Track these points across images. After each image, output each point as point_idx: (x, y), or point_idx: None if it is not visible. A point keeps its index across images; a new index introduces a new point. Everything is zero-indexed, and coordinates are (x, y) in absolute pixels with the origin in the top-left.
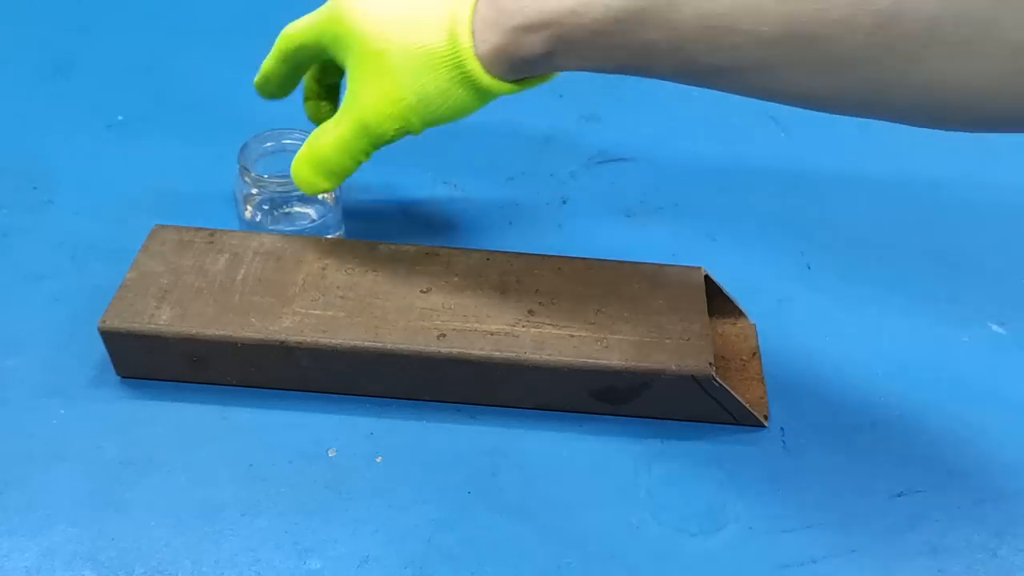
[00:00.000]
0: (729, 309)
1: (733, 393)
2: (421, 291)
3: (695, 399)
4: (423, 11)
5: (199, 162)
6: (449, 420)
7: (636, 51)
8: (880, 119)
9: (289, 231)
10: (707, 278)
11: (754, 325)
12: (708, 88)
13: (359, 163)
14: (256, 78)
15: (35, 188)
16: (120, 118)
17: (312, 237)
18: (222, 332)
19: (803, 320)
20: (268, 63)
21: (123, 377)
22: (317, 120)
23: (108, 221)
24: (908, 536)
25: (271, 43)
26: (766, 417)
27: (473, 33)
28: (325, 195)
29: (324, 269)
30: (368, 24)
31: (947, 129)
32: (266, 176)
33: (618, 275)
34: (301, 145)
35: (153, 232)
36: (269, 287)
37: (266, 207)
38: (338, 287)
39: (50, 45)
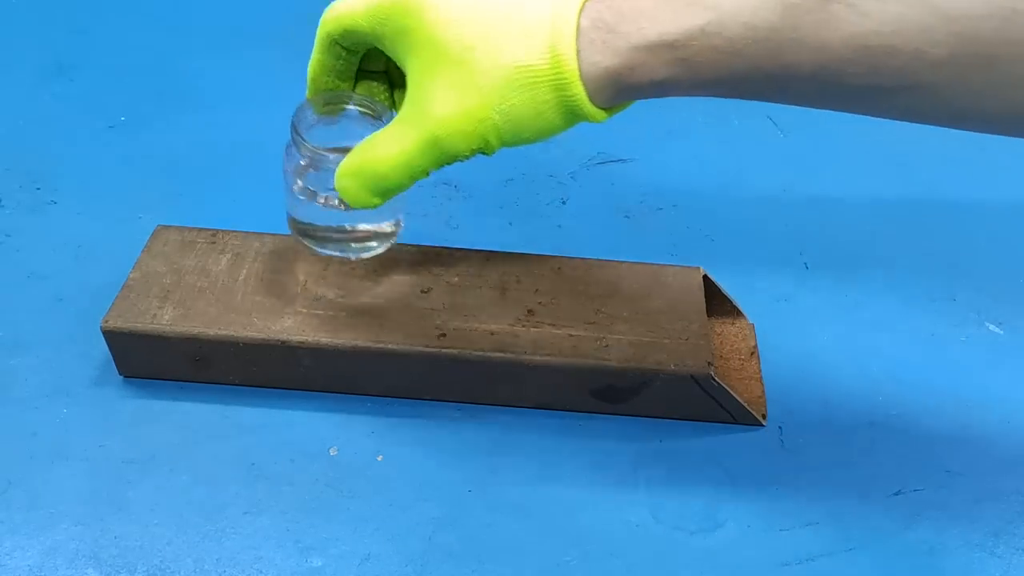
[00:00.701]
0: (727, 309)
1: (732, 392)
2: (421, 291)
3: (694, 398)
4: (514, 20)
5: (202, 162)
6: (449, 419)
7: (773, 74)
8: None
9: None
10: (705, 278)
11: (752, 325)
12: (838, 111)
13: (416, 181)
14: (307, 91)
15: (38, 188)
16: (122, 118)
17: None
18: (224, 332)
19: (801, 320)
20: (312, 62)
21: (125, 376)
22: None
23: (110, 221)
24: (906, 535)
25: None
26: (764, 416)
27: (579, 53)
28: None
29: (325, 269)
30: (448, 26)
31: None
32: (323, 147)
33: (617, 275)
34: (364, 111)
35: (156, 232)
36: (271, 287)
37: (320, 183)
38: (339, 287)
39: (52, 46)
